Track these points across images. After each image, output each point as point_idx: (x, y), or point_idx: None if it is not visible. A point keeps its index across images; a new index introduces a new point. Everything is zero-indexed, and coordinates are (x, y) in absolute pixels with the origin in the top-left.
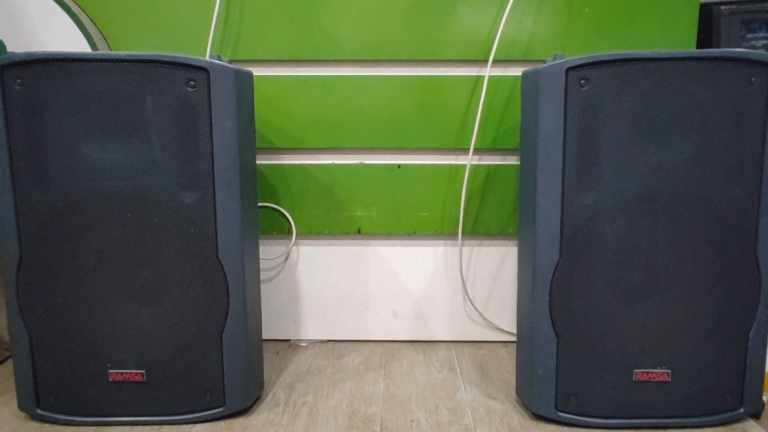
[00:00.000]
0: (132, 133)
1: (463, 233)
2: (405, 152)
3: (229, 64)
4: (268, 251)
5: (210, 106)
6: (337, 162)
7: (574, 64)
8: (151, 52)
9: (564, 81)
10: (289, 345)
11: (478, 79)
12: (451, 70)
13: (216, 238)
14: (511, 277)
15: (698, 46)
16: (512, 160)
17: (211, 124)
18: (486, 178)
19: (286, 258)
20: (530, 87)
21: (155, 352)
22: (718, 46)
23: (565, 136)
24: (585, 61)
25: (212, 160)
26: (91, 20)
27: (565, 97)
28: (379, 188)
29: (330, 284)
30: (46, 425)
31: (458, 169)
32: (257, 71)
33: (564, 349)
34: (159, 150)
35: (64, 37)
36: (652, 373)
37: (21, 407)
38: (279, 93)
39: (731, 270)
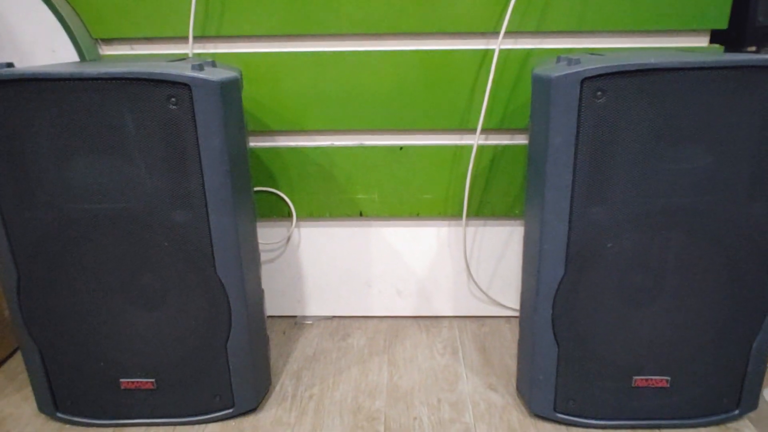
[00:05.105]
0: (115, 153)
1: (467, 215)
2: (407, 133)
3: (212, 76)
4: (269, 234)
5: (195, 123)
6: (336, 144)
7: (590, 74)
8: (126, 69)
9: (578, 92)
10: (294, 322)
11: (487, 53)
12: (458, 43)
13: (213, 257)
14: (515, 256)
15: (732, 17)
16: (520, 140)
17: (198, 142)
18: (492, 158)
19: (288, 240)
20: (541, 93)
21: (163, 361)
22: (755, 17)
23: (576, 151)
24: (602, 72)
25: (202, 179)
26: None
27: (579, 110)
28: (380, 171)
29: (333, 264)
30: (67, 426)
31: (463, 150)
32: (246, 48)
33: (565, 358)
34: (145, 171)
35: (28, 14)
36: (651, 380)
37: (41, 409)
38: (271, 71)
39: (741, 282)
